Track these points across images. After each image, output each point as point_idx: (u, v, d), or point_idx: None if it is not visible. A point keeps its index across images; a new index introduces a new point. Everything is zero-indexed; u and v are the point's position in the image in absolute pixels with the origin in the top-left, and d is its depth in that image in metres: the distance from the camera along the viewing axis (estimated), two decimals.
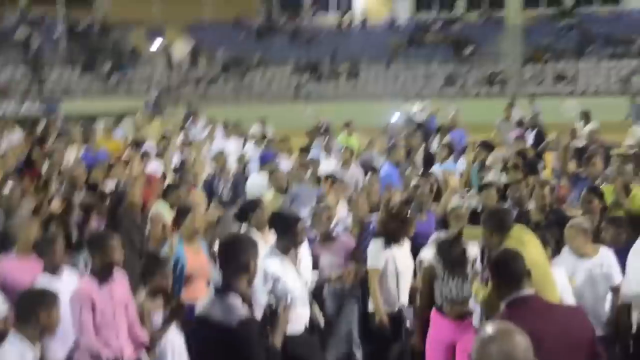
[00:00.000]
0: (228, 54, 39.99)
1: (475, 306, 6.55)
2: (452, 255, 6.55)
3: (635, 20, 39.56)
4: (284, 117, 27.82)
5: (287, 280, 6.27)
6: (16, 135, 17.95)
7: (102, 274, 5.79)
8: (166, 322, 6.12)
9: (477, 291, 5.94)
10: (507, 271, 4.43)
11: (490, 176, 10.27)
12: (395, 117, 22.06)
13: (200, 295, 6.58)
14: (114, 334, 5.75)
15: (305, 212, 8.24)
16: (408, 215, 7.37)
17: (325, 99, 36.31)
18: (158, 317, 6.15)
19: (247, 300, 4.61)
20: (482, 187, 9.12)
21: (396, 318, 7.28)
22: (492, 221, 6.24)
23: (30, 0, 40.52)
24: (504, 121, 18.83)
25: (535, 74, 37.32)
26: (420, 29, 41.43)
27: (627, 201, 8.83)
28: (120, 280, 5.95)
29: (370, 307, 7.29)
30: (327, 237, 7.51)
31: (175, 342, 6.13)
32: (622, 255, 6.90)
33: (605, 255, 6.92)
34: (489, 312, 5.77)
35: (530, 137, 16.38)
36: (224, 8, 43.44)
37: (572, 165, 11.26)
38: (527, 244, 5.89)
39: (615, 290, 6.82)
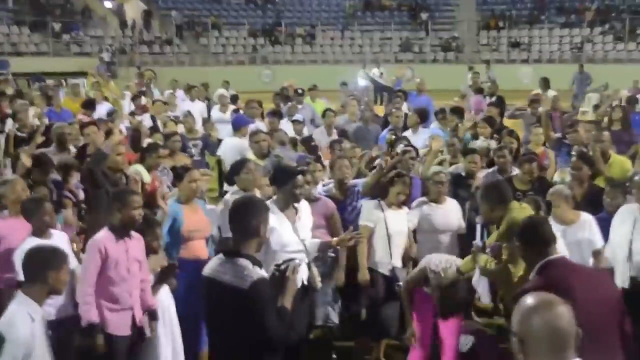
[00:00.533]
0: (182, 15, 39.47)
1: (480, 280, 6.51)
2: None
3: None
4: (240, 79, 27.57)
5: (283, 233, 6.21)
6: None
7: (120, 229, 5.79)
8: (157, 283, 6.06)
9: (486, 262, 5.87)
10: (536, 236, 4.43)
11: (479, 142, 10.24)
12: (361, 81, 22.02)
13: (199, 254, 6.58)
14: (126, 291, 5.76)
15: None
16: (401, 178, 7.29)
17: (282, 63, 36.21)
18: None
19: (257, 264, 4.55)
20: (466, 152, 9.03)
21: (388, 279, 7.23)
22: (492, 196, 6.09)
23: None
24: (471, 87, 18.80)
25: (490, 41, 37.68)
26: None
27: (606, 168, 8.80)
28: (137, 239, 5.92)
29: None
30: (308, 200, 7.39)
31: (165, 303, 6.08)
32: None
33: (587, 221, 6.94)
34: (502, 283, 5.72)
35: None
36: None
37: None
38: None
39: (595, 254, 6.86)
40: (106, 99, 16.73)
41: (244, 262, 4.46)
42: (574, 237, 6.87)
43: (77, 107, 14.38)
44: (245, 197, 5.35)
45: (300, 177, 6.39)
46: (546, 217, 4.91)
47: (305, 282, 6.38)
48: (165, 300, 6.12)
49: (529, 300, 2.99)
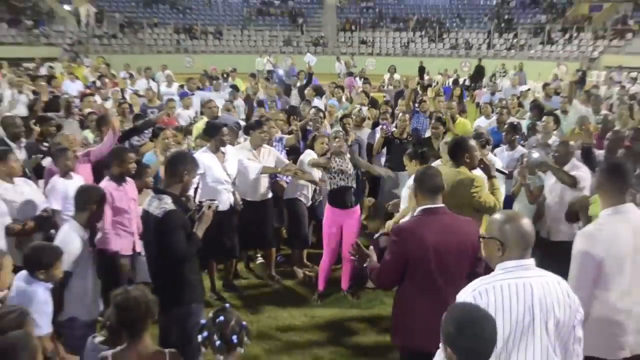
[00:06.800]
0: (124, 16, 37.89)
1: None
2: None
3: (411, 5, 40.97)
4: (169, 65, 26.65)
5: (215, 171, 6.12)
6: None
7: (119, 178, 5.50)
8: None
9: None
10: (426, 184, 3.80)
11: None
12: (268, 66, 21.62)
13: None
14: (127, 221, 5.49)
15: None
16: (319, 133, 6.99)
17: (199, 53, 35.32)
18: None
19: (178, 202, 4.21)
20: (342, 117, 8.19)
21: (309, 206, 7.06)
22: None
23: None
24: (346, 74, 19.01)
25: (346, 39, 37.79)
26: (266, 4, 40.91)
27: (454, 127, 8.85)
28: (131, 183, 5.64)
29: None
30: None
31: None
32: None
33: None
34: None
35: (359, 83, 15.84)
36: None
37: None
38: None
39: None
40: (77, 78, 15.94)
41: (166, 198, 4.17)
42: None
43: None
44: (179, 151, 5.23)
45: (225, 128, 6.26)
46: (439, 170, 3.94)
47: (232, 204, 6.32)
48: None
49: (499, 215, 2.88)
